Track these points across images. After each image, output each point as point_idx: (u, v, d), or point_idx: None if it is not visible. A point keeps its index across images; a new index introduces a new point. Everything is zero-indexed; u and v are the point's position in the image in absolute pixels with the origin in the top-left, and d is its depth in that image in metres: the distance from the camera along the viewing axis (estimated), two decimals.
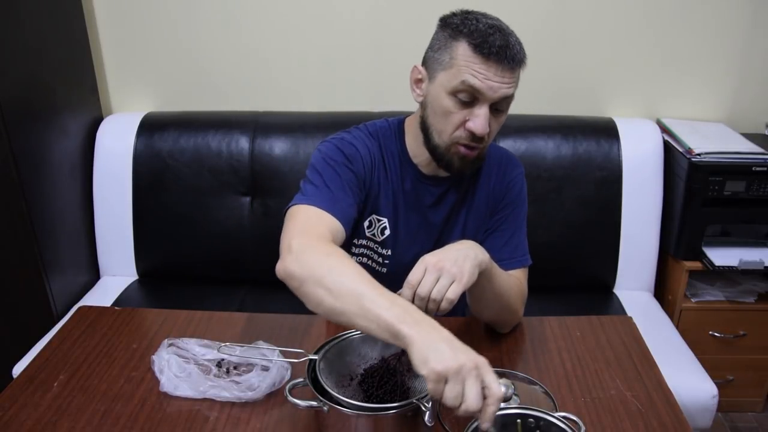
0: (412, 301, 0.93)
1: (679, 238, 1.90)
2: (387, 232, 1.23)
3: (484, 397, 0.77)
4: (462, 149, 1.11)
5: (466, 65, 1.04)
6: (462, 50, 1.04)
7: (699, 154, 1.81)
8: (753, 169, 1.79)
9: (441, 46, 1.08)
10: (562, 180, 1.87)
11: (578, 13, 1.96)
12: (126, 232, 1.97)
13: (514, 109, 1.96)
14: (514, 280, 1.18)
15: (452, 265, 0.94)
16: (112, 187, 1.95)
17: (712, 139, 1.89)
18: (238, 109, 2.04)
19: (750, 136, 1.93)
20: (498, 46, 1.02)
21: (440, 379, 0.77)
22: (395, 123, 1.23)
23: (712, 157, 1.80)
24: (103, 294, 1.92)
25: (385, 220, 1.22)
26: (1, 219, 1.69)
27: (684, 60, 2.01)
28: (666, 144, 1.93)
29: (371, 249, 1.25)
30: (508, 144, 1.87)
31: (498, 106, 1.08)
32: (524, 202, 1.27)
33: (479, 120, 1.06)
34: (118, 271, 2.02)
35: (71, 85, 1.94)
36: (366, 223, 1.23)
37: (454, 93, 1.06)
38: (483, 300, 1.12)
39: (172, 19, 2.01)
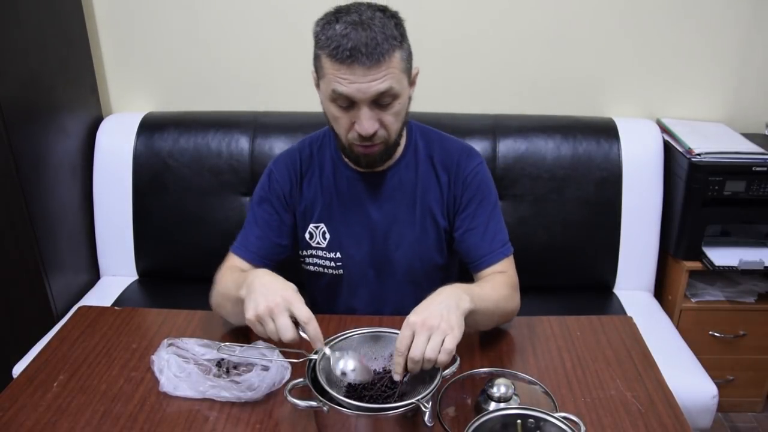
0: (405, 368, 0.90)
1: (679, 238, 1.90)
2: (328, 235, 1.25)
3: (298, 324, 0.93)
4: (360, 148, 1.12)
5: (331, 74, 1.04)
6: (324, 60, 1.05)
7: (699, 154, 1.81)
8: (753, 169, 1.79)
9: (314, 56, 1.09)
10: (562, 180, 1.87)
11: (578, 13, 1.96)
12: (126, 232, 1.96)
13: (514, 109, 1.98)
14: (500, 287, 1.15)
15: (440, 321, 0.91)
16: (112, 187, 1.95)
17: (712, 139, 1.89)
18: (238, 109, 2.04)
19: (750, 136, 1.93)
20: (351, 48, 1.00)
21: (255, 323, 0.94)
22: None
23: (712, 157, 1.80)
24: (103, 294, 1.92)
25: (322, 225, 1.25)
26: (1, 219, 1.69)
27: (684, 60, 2.01)
28: (666, 144, 1.93)
29: (320, 257, 1.27)
30: (508, 144, 1.87)
31: (380, 101, 1.06)
32: (491, 192, 1.24)
33: (362, 122, 1.06)
34: (118, 271, 2.01)
35: (71, 85, 1.94)
36: (307, 235, 1.26)
37: (333, 100, 1.07)
38: (479, 325, 1.13)
39: (172, 19, 2.01)
